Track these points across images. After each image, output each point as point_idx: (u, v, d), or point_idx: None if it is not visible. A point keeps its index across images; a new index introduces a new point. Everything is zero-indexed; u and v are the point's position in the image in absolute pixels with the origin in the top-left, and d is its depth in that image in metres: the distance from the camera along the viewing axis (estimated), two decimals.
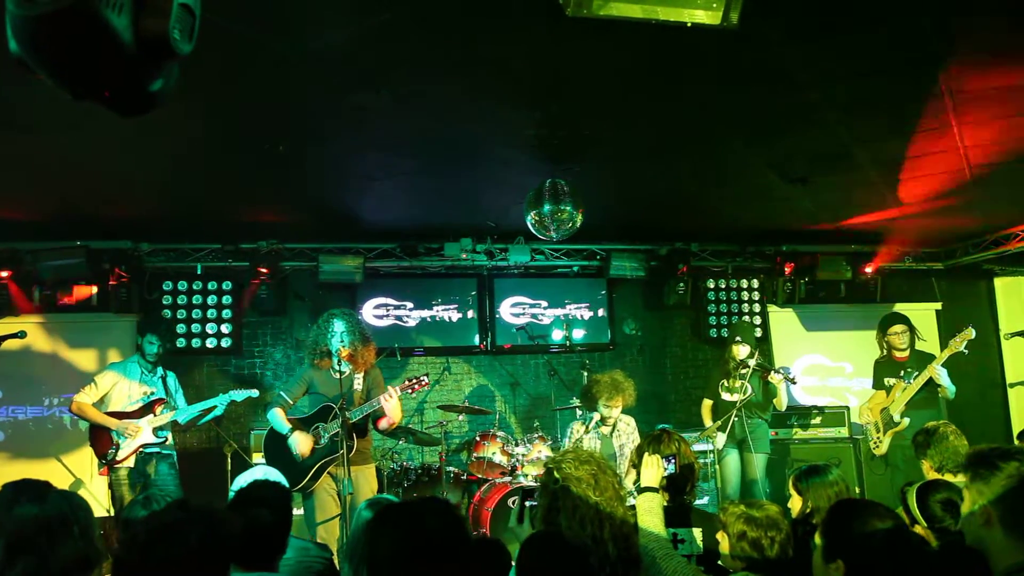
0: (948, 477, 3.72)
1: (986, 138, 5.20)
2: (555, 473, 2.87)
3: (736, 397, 6.72)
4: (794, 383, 6.54)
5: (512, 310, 8.45)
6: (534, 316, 8.49)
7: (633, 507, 3.14)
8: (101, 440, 5.92)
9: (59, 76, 1.64)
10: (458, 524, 1.99)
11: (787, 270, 8.61)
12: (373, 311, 8.15)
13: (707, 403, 7.13)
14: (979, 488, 2.17)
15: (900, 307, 8.17)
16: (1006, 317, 8.95)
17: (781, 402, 6.79)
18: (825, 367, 8.88)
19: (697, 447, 6.99)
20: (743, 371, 6.80)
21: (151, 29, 1.61)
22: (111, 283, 7.25)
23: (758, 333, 8.56)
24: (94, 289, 7.30)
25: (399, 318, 8.21)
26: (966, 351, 6.20)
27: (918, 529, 3.04)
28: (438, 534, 1.91)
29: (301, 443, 5.27)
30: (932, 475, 3.87)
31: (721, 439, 6.57)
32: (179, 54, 1.68)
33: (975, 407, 8.19)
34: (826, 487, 3.43)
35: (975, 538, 2.18)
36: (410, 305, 8.26)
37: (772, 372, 6.63)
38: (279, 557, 2.83)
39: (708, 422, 6.96)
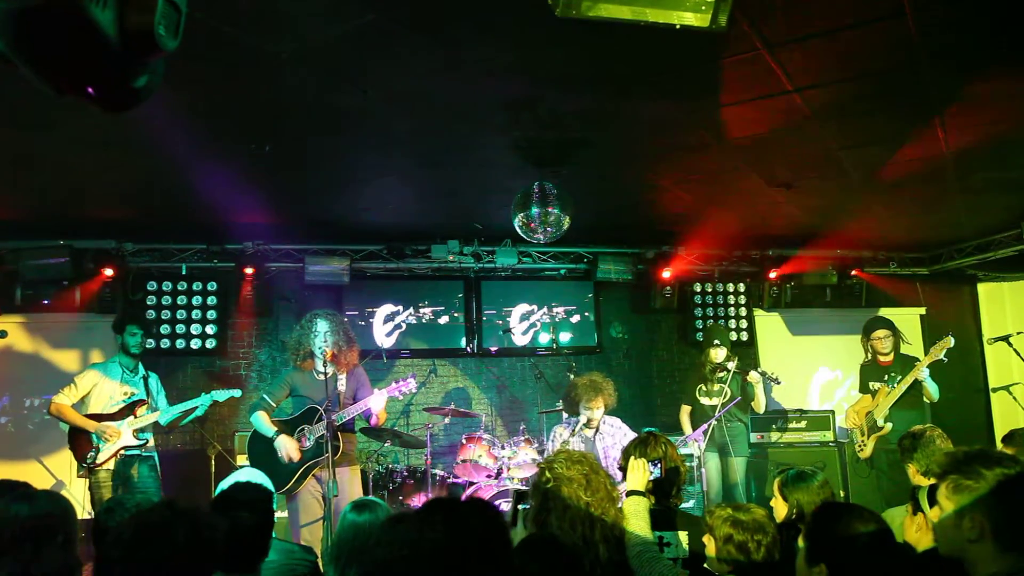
0: (934, 481, 3.73)
1: (970, 143, 5.24)
2: (547, 473, 2.86)
3: (715, 401, 6.74)
4: (779, 383, 6.57)
5: (521, 326, 8.47)
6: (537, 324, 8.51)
7: (622, 509, 3.13)
8: (80, 443, 5.81)
9: (42, 71, 1.62)
10: (502, 525, 1.94)
11: (773, 274, 8.66)
12: (383, 327, 8.17)
13: (685, 409, 7.17)
14: (963, 498, 2.12)
15: (884, 311, 8.21)
16: (989, 322, 9.04)
17: (759, 404, 6.82)
18: (836, 381, 8.90)
19: (683, 451, 7.00)
20: (721, 374, 6.82)
21: (136, 24, 1.60)
22: (94, 283, 7.18)
23: (734, 336, 8.60)
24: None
25: (398, 325, 8.21)
26: (945, 359, 6.26)
27: (919, 518, 3.03)
28: (484, 532, 1.86)
29: (288, 448, 5.23)
30: (918, 479, 3.88)
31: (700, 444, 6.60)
32: (164, 50, 1.66)
33: (958, 411, 8.25)
34: (811, 493, 3.44)
35: (958, 549, 2.14)
36: (398, 307, 8.24)
37: (751, 372, 6.67)
38: (261, 560, 2.81)
39: (687, 429, 6.99)
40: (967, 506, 2.11)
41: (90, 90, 1.67)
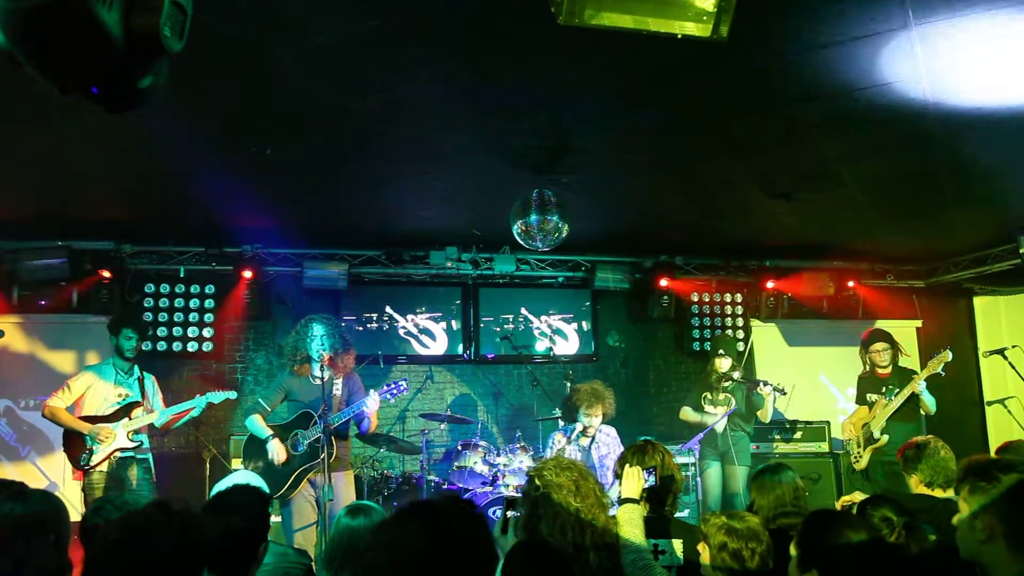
0: (938, 492, 3.73)
1: (967, 155, 5.27)
2: (536, 480, 2.86)
3: (720, 411, 6.74)
4: (784, 394, 6.57)
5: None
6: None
7: (615, 516, 3.13)
8: (74, 445, 5.77)
9: (47, 70, 1.62)
10: (482, 523, 1.94)
11: (770, 285, 8.67)
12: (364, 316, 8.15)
13: (686, 409, 7.10)
14: (978, 500, 2.17)
15: (881, 323, 8.22)
16: (984, 335, 9.05)
17: (766, 414, 6.82)
18: (832, 393, 8.91)
19: (680, 460, 6.98)
20: (726, 384, 6.82)
21: (141, 25, 1.61)
22: (92, 284, 7.18)
23: (740, 347, 8.60)
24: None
25: (383, 325, 8.20)
26: (943, 373, 6.27)
27: None
28: (463, 533, 1.86)
29: (278, 451, 5.25)
30: (920, 489, 3.87)
31: (720, 415, 6.58)
32: (169, 51, 1.67)
33: (953, 424, 8.25)
34: (774, 487, 3.53)
35: (973, 552, 2.18)
36: (395, 313, 8.24)
37: (761, 384, 6.66)
38: (254, 564, 2.79)
39: (694, 417, 6.90)
40: (980, 508, 2.16)
41: (94, 90, 1.68)
